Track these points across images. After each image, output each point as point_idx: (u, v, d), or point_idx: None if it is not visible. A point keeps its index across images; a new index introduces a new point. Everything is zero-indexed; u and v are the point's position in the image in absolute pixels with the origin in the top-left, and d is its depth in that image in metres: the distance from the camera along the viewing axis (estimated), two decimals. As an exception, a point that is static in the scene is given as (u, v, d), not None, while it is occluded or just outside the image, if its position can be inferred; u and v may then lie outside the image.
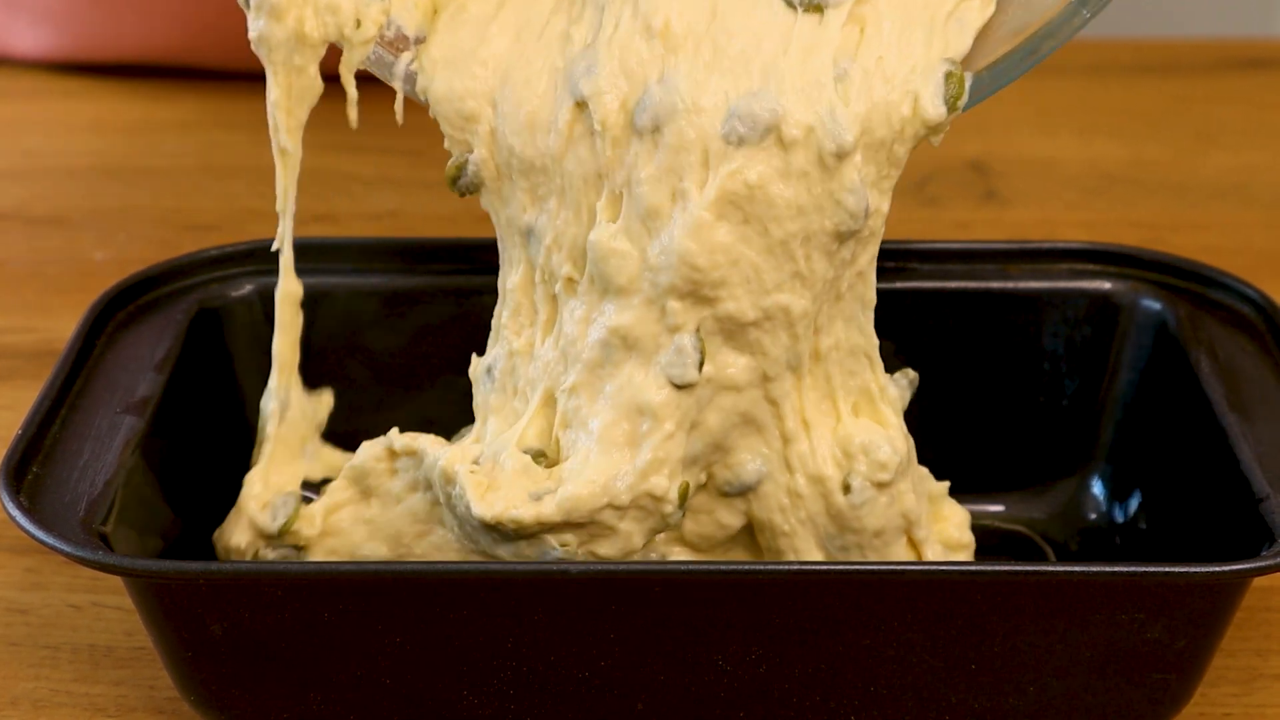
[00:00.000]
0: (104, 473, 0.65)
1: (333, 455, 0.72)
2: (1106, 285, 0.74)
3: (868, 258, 0.65)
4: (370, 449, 0.68)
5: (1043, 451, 0.75)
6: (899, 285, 0.74)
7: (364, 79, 0.65)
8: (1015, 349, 0.75)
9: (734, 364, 0.64)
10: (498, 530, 0.63)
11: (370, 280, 0.75)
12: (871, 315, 0.66)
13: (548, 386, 0.65)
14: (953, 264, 0.75)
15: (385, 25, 0.64)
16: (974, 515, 0.71)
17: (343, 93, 0.65)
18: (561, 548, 0.63)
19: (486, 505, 0.63)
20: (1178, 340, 0.71)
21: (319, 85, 0.64)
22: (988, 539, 0.71)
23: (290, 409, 0.70)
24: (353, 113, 0.64)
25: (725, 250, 0.62)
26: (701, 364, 0.63)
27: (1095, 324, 0.74)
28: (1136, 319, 0.74)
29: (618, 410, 0.64)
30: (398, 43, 0.65)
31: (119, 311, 0.73)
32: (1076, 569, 0.62)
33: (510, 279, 0.67)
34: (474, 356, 0.68)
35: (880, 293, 0.66)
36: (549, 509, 0.63)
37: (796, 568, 0.64)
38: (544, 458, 0.65)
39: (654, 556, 0.67)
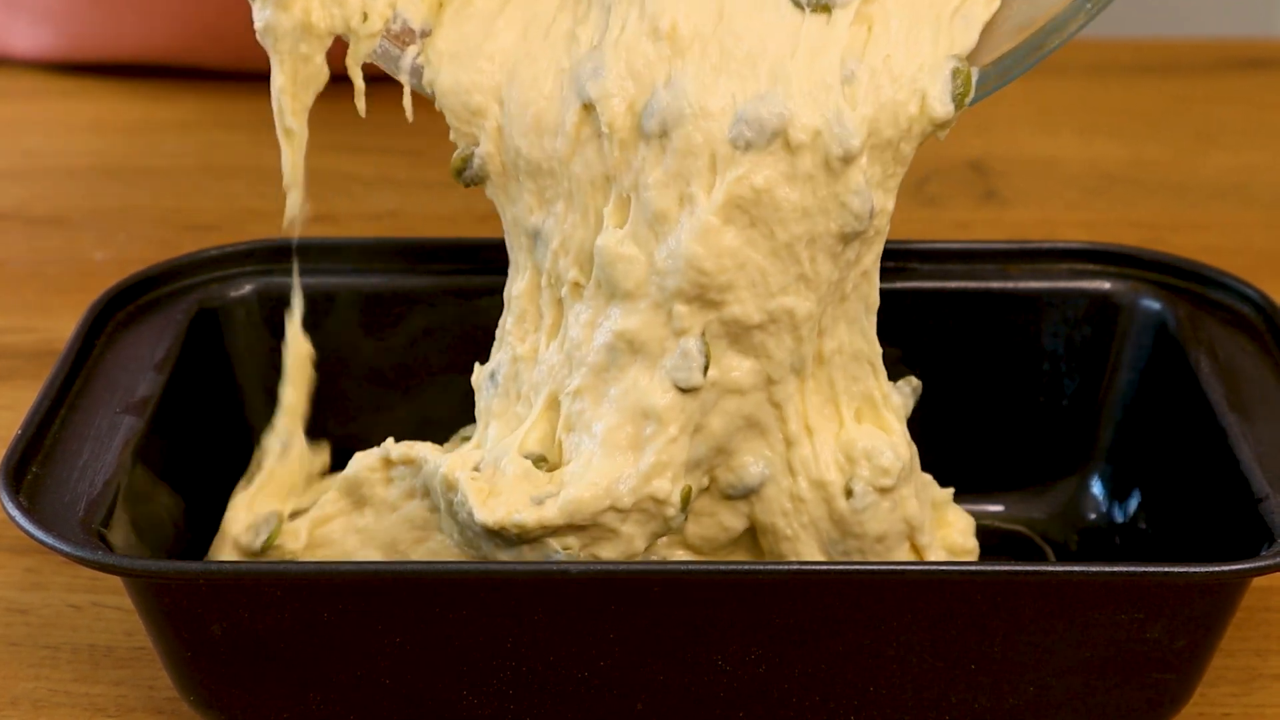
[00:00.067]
0: (103, 473, 0.65)
1: (323, 486, 0.72)
2: (1106, 285, 0.74)
3: (872, 257, 0.65)
4: (364, 459, 0.68)
5: (1042, 451, 0.75)
6: (899, 285, 0.74)
7: (367, 80, 0.65)
8: (1015, 349, 0.75)
9: (738, 367, 0.64)
10: (500, 536, 0.63)
11: (370, 280, 0.75)
12: (874, 320, 0.66)
13: (551, 390, 0.65)
14: (953, 264, 0.75)
15: (391, 18, 0.64)
16: (974, 515, 0.71)
17: (344, 91, 0.65)
18: (564, 551, 0.63)
19: (489, 511, 0.63)
20: (1177, 340, 0.71)
21: (325, 73, 0.64)
22: (988, 539, 0.71)
23: (291, 451, 0.70)
24: (360, 103, 0.64)
25: (732, 254, 0.62)
26: (706, 368, 0.63)
27: (1095, 324, 0.74)
28: (1136, 319, 0.74)
29: (622, 414, 0.64)
30: (404, 36, 0.65)
31: (119, 311, 0.73)
32: (1076, 569, 0.62)
33: (515, 286, 0.67)
34: (476, 365, 0.68)
35: (880, 293, 0.66)
36: (551, 512, 0.63)
37: (796, 568, 0.64)
38: (545, 462, 0.65)
39: (656, 559, 0.67)
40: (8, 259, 0.95)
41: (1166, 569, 0.61)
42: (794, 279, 0.63)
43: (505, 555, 0.64)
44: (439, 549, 0.67)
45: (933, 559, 0.68)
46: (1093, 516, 0.74)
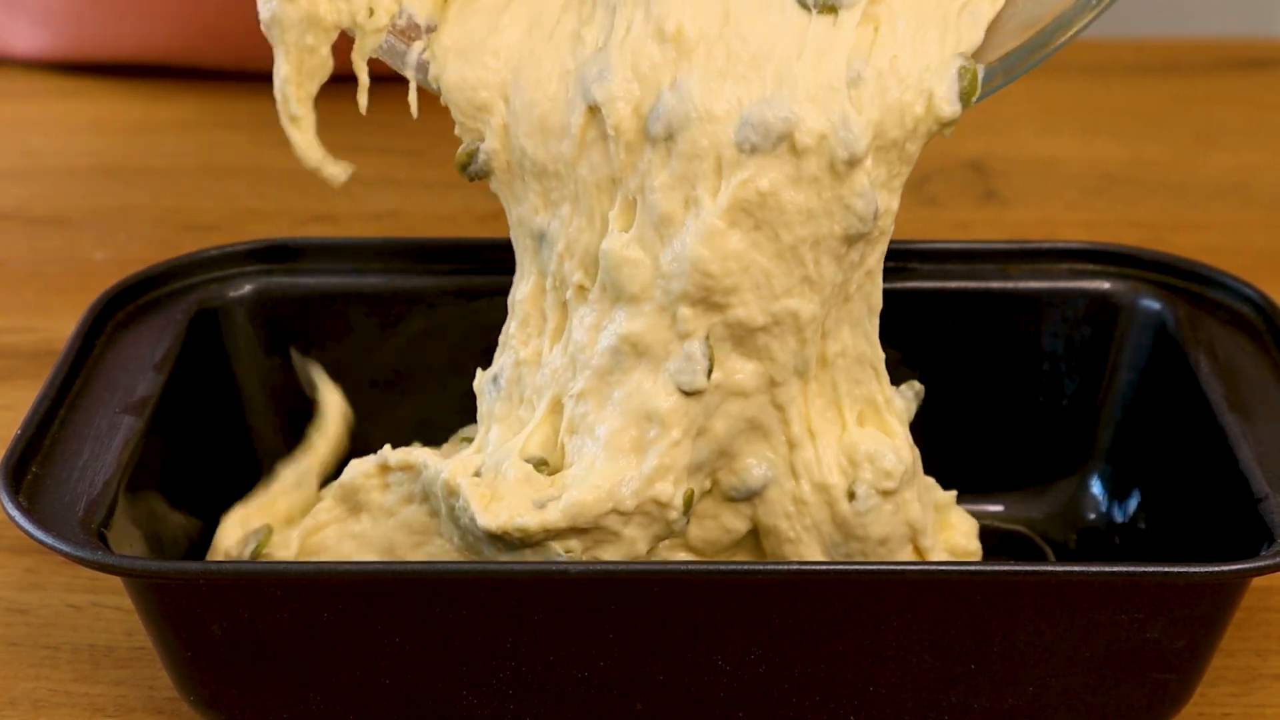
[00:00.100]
0: (103, 473, 0.65)
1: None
2: (1106, 285, 0.74)
3: (876, 257, 0.65)
4: (360, 466, 0.68)
5: (1042, 451, 0.75)
6: (899, 285, 0.74)
7: (369, 79, 0.65)
8: (1015, 349, 0.75)
9: (742, 370, 0.64)
10: (503, 540, 0.63)
11: (370, 280, 0.75)
12: (877, 323, 0.66)
13: (555, 393, 0.65)
14: (952, 264, 0.75)
15: (397, 13, 0.64)
16: (973, 515, 0.71)
17: (344, 91, 0.65)
18: (566, 554, 0.63)
19: (491, 516, 0.63)
20: (1177, 340, 0.71)
21: (330, 64, 0.64)
22: (988, 539, 0.71)
23: (302, 488, 0.71)
24: (363, 99, 0.64)
25: (737, 257, 0.62)
26: (710, 371, 0.63)
27: (1095, 324, 0.74)
28: (1136, 319, 0.74)
29: (625, 417, 0.64)
30: (409, 31, 0.65)
31: (118, 311, 0.73)
32: (1076, 569, 0.62)
33: (519, 291, 0.66)
34: (479, 370, 0.68)
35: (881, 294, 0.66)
36: (554, 515, 0.63)
37: (796, 568, 0.64)
38: (546, 466, 0.65)
39: (656, 560, 0.67)
40: (8, 259, 0.95)
41: (1166, 569, 0.61)
42: (798, 281, 0.63)
43: (507, 559, 0.64)
44: (437, 554, 0.67)
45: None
46: (1092, 516, 0.74)
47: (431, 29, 0.65)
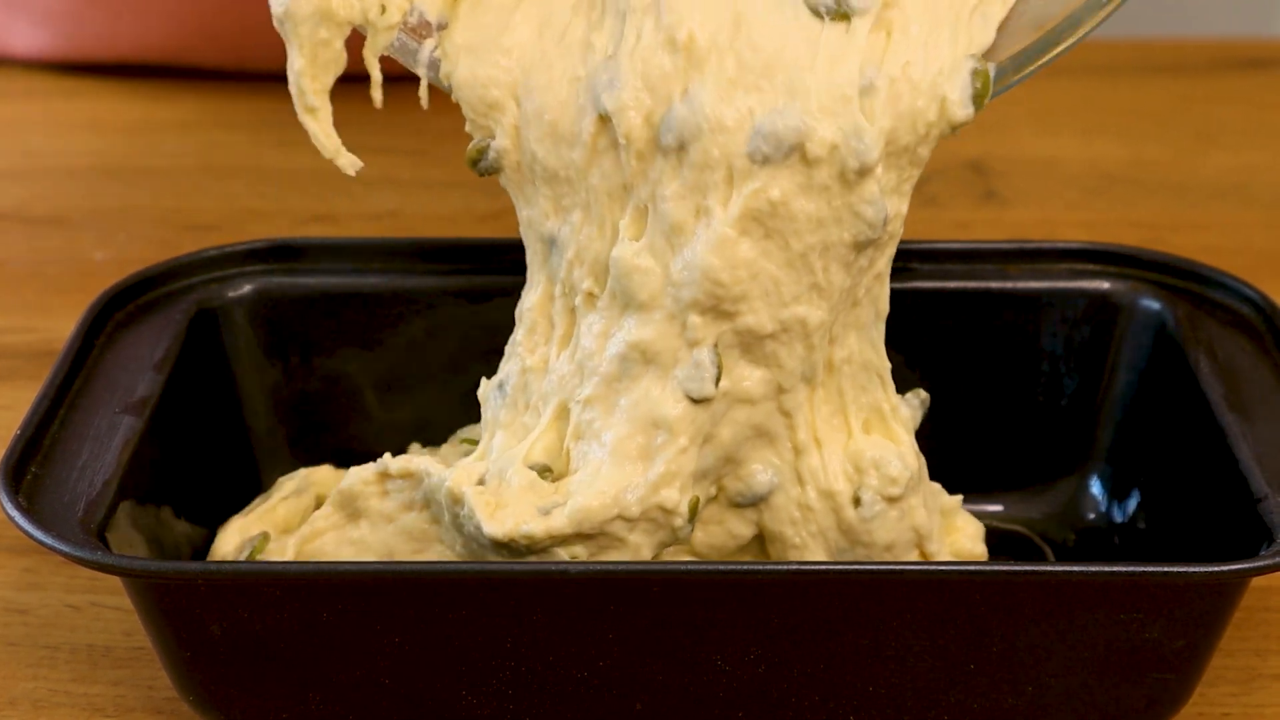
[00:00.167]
0: (103, 473, 0.65)
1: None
2: (1105, 285, 0.74)
3: (885, 260, 0.65)
4: (360, 473, 0.68)
5: (1042, 451, 0.75)
6: (899, 285, 0.73)
7: (367, 79, 0.65)
8: (1014, 349, 0.75)
9: (749, 377, 0.64)
10: (509, 547, 0.63)
11: (370, 280, 0.75)
12: (884, 330, 0.66)
13: (561, 400, 0.65)
14: (952, 264, 0.75)
15: (409, 11, 0.64)
16: (972, 515, 0.71)
17: (344, 91, 0.65)
18: (571, 560, 0.63)
19: (497, 523, 0.63)
20: (1176, 340, 0.71)
21: (344, 58, 0.64)
22: (987, 539, 0.71)
23: (303, 495, 0.71)
24: (377, 94, 0.64)
25: (747, 265, 0.62)
26: (718, 378, 0.63)
27: (1094, 324, 0.74)
28: (1135, 319, 0.74)
29: (633, 423, 0.63)
30: (420, 29, 0.65)
31: (118, 311, 0.73)
32: (1075, 569, 0.62)
33: (527, 300, 0.66)
34: (483, 379, 0.68)
35: (884, 295, 0.66)
36: (559, 521, 0.63)
37: (796, 568, 0.64)
38: (549, 472, 0.65)
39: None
40: (8, 259, 0.95)
41: (1166, 569, 0.61)
42: (807, 288, 0.63)
43: None
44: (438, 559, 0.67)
45: (942, 565, 0.68)
46: (1092, 516, 0.74)
47: (443, 26, 0.65)
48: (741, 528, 0.66)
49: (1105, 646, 0.61)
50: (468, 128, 0.65)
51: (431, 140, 1.04)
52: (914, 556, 0.67)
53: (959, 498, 0.71)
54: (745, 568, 0.64)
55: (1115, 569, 0.61)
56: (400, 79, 0.66)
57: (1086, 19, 0.63)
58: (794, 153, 0.61)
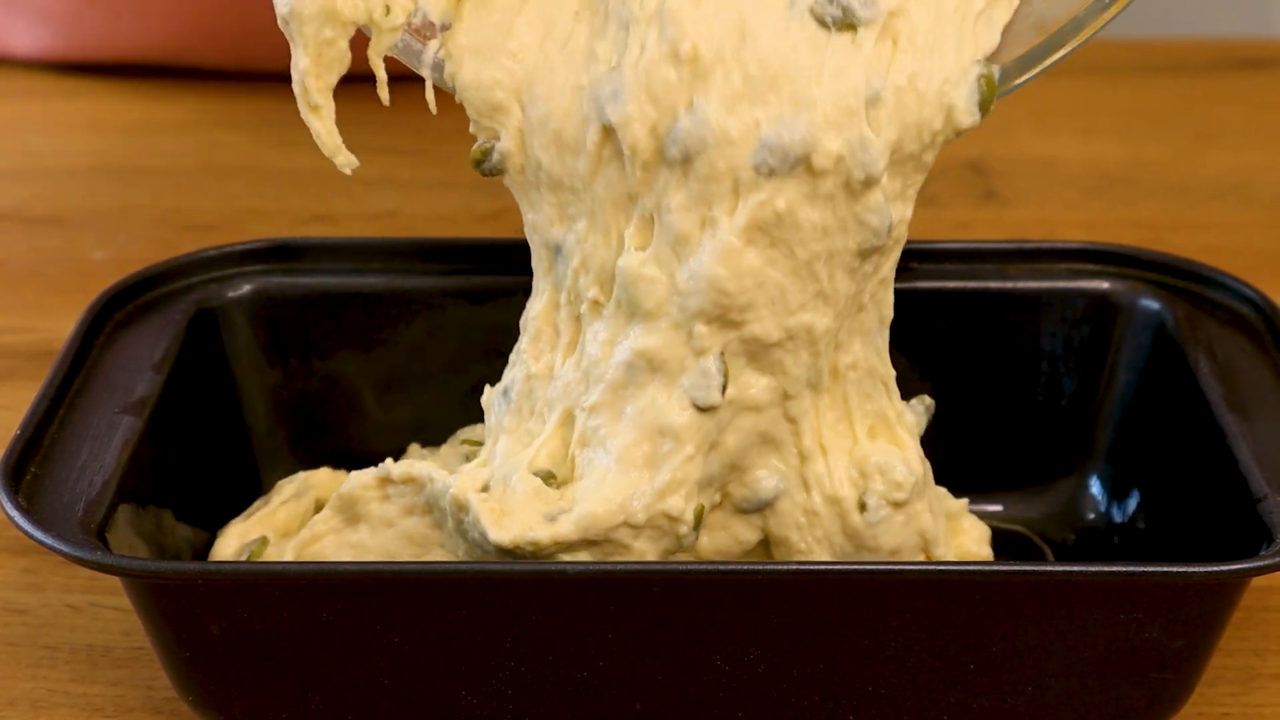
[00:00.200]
0: (102, 473, 0.65)
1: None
2: (1105, 285, 0.74)
3: (890, 264, 0.65)
4: (360, 477, 0.68)
5: (1041, 451, 0.75)
6: (899, 285, 0.73)
7: (367, 79, 0.65)
8: (1014, 349, 0.75)
9: (755, 384, 0.64)
10: (514, 554, 0.63)
11: (370, 280, 0.75)
12: (888, 337, 0.66)
13: (566, 406, 0.65)
14: (951, 264, 0.75)
15: (413, 12, 0.64)
16: (978, 518, 0.71)
17: (344, 90, 0.65)
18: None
19: (503, 531, 0.63)
20: (1176, 340, 0.71)
21: (348, 58, 0.63)
22: (986, 539, 0.72)
23: (302, 498, 0.71)
24: (384, 93, 0.64)
25: (753, 274, 0.62)
26: (725, 387, 0.63)
27: (1094, 324, 0.74)
28: (1135, 319, 0.74)
29: (639, 431, 0.63)
30: (424, 30, 0.65)
31: (117, 311, 0.72)
32: (1075, 569, 0.62)
33: (533, 308, 0.66)
34: (487, 386, 0.68)
35: (885, 297, 0.66)
36: (565, 528, 0.63)
37: (796, 568, 0.64)
38: (554, 479, 0.65)
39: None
40: (7, 259, 0.95)
41: (1165, 569, 0.61)
42: (812, 296, 0.63)
43: None
44: (439, 566, 0.67)
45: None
46: (1091, 516, 0.74)
47: (446, 27, 0.65)
48: (747, 533, 0.66)
49: (1105, 646, 0.61)
50: (472, 129, 0.65)
51: (432, 140, 1.04)
52: (920, 560, 0.67)
53: (964, 501, 0.71)
54: (745, 568, 0.64)
55: (1115, 569, 0.61)
56: (401, 79, 0.66)
57: (1090, 22, 0.63)
58: (799, 165, 0.61)
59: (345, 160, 0.64)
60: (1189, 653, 0.62)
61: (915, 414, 0.68)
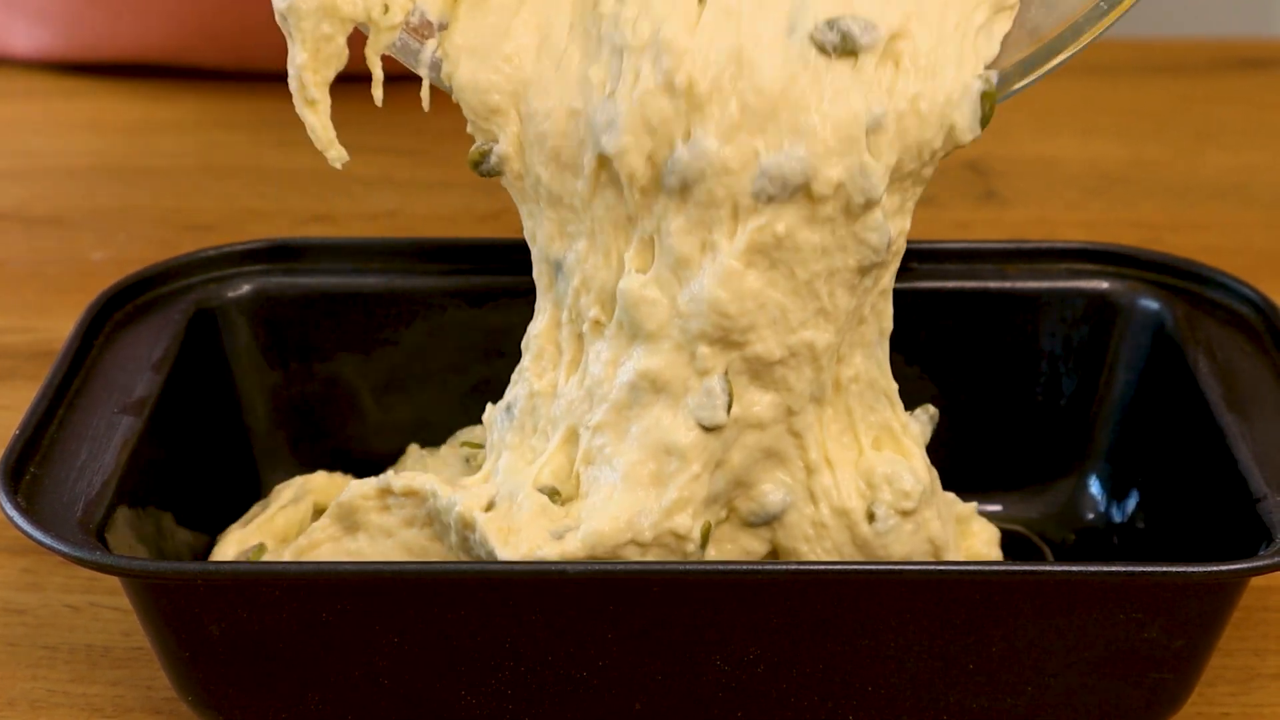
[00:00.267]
0: (101, 473, 0.64)
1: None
2: (1104, 285, 0.74)
3: (889, 276, 0.65)
4: (360, 487, 0.67)
5: (1040, 451, 0.75)
6: (898, 285, 0.73)
7: (367, 78, 0.64)
8: (1013, 349, 0.75)
9: (759, 402, 0.64)
10: None
11: (369, 280, 0.75)
12: (888, 349, 0.66)
13: (570, 424, 0.65)
14: (951, 264, 0.75)
15: (411, 11, 0.64)
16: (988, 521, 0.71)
17: (344, 90, 0.65)
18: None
19: (511, 549, 0.63)
20: (1175, 340, 0.71)
21: (345, 54, 0.63)
22: (986, 539, 0.72)
23: (300, 503, 0.71)
24: (378, 92, 0.64)
25: (754, 296, 0.62)
26: (730, 406, 0.63)
27: (1093, 324, 0.74)
28: (1134, 319, 0.74)
29: (644, 450, 0.63)
30: (422, 29, 0.65)
31: (117, 311, 0.72)
32: (1074, 569, 0.62)
33: (534, 327, 0.66)
34: (489, 405, 0.68)
35: (880, 293, 0.66)
36: (573, 545, 0.63)
37: (796, 568, 0.64)
38: (558, 495, 0.65)
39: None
40: (7, 259, 0.95)
41: (1165, 569, 0.61)
42: (813, 313, 0.63)
43: None
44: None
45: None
46: (1091, 516, 0.74)
47: (444, 27, 0.65)
48: (755, 545, 0.66)
49: (1104, 646, 0.61)
50: (469, 129, 0.65)
51: (431, 140, 1.04)
52: (930, 567, 0.67)
53: (973, 505, 0.71)
54: (745, 568, 0.64)
55: (1114, 569, 0.61)
56: (400, 78, 0.66)
57: (1088, 28, 0.63)
58: (799, 191, 0.61)
59: (337, 155, 0.64)
60: (1188, 653, 0.62)
61: (919, 423, 0.68)
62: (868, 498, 0.65)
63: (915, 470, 0.66)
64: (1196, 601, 0.61)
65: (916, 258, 0.75)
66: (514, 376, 0.67)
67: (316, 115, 0.64)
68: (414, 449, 0.73)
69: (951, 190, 1.00)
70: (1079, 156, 1.05)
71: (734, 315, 0.62)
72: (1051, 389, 0.75)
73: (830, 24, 0.61)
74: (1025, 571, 0.62)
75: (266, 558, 0.68)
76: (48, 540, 0.61)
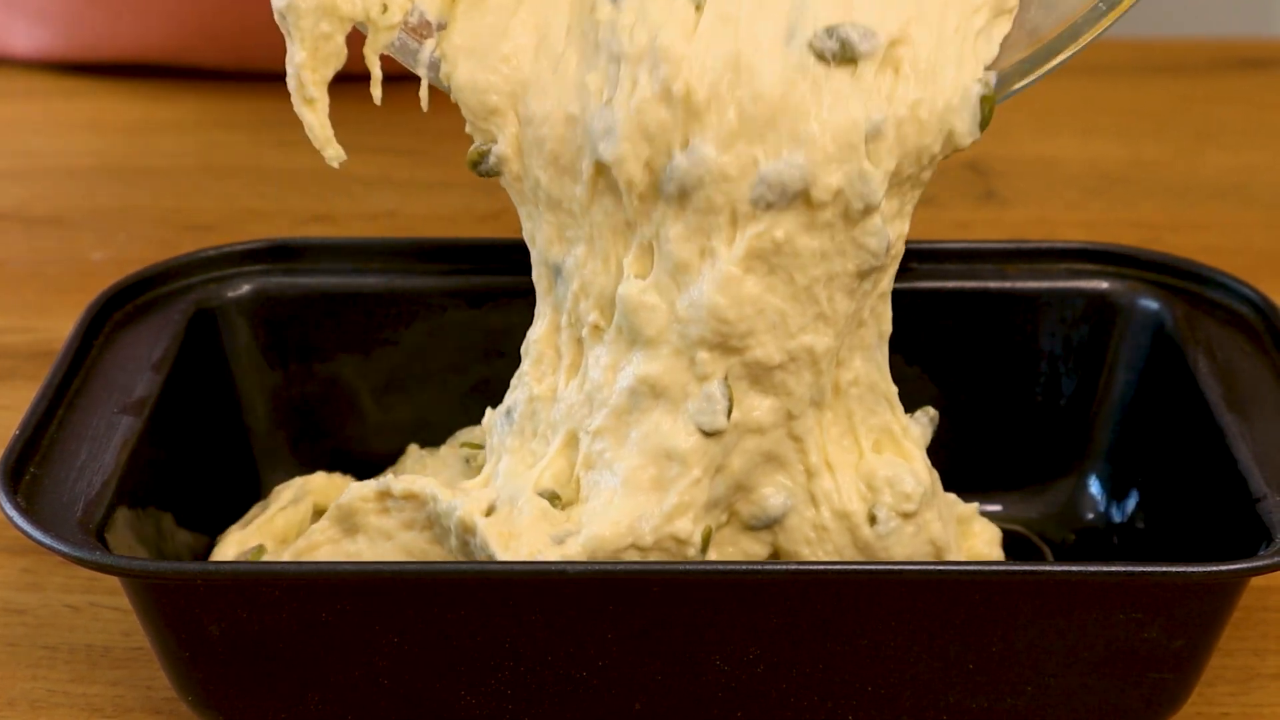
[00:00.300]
0: (101, 473, 0.64)
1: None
2: (1104, 285, 0.74)
3: (889, 279, 0.65)
4: (360, 490, 0.67)
5: (1040, 451, 0.75)
6: (897, 285, 0.73)
7: (367, 79, 0.64)
8: (1013, 349, 0.75)
9: (759, 407, 0.64)
10: None
11: (369, 280, 0.75)
12: (887, 352, 0.66)
13: (570, 428, 0.65)
14: (951, 264, 0.75)
15: (410, 11, 0.64)
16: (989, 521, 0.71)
17: (343, 90, 0.65)
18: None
19: (512, 554, 0.63)
20: (1175, 340, 0.71)
21: (344, 53, 0.63)
22: (986, 539, 0.71)
23: (300, 504, 0.71)
24: (376, 91, 0.64)
25: (753, 301, 0.62)
26: (730, 411, 0.63)
27: (1093, 324, 0.74)
28: (1134, 319, 0.74)
29: (645, 455, 0.63)
30: (421, 29, 0.65)
31: (117, 311, 0.72)
32: (1074, 569, 0.62)
33: (534, 331, 0.66)
34: (489, 409, 0.68)
35: (879, 292, 0.66)
36: (574, 550, 0.63)
37: (796, 568, 0.64)
38: (558, 500, 0.65)
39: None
40: (7, 259, 0.95)
41: (1164, 569, 0.61)
42: (812, 318, 0.63)
43: None
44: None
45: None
46: (1090, 516, 0.74)
47: (443, 26, 0.65)
48: (756, 549, 0.66)
49: (1104, 646, 0.61)
50: (468, 129, 0.65)
51: (430, 140, 1.04)
52: (932, 569, 0.67)
53: (974, 506, 0.70)
54: (745, 568, 0.64)
55: (1114, 569, 0.61)
56: (399, 78, 0.66)
57: (1087, 29, 0.63)
58: (798, 198, 0.61)
59: (334, 154, 0.64)
60: (1188, 652, 0.62)
61: (920, 426, 0.68)
62: (869, 500, 0.65)
63: (916, 472, 0.66)
64: (1196, 601, 0.61)
65: (916, 258, 0.75)
66: (514, 381, 0.67)
67: (314, 114, 0.64)
68: (414, 449, 0.73)
69: (951, 190, 1.00)
70: (1079, 156, 1.05)
71: (733, 321, 0.62)
72: (1051, 389, 0.75)
73: (829, 31, 0.61)
74: (1025, 571, 0.62)
75: (266, 559, 0.68)
76: (48, 540, 0.61)
